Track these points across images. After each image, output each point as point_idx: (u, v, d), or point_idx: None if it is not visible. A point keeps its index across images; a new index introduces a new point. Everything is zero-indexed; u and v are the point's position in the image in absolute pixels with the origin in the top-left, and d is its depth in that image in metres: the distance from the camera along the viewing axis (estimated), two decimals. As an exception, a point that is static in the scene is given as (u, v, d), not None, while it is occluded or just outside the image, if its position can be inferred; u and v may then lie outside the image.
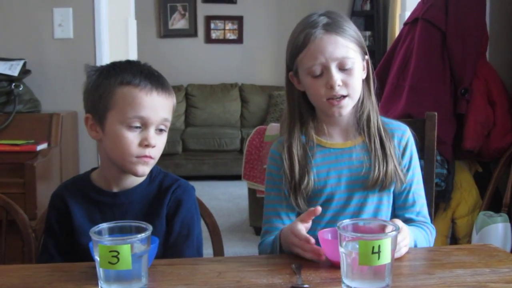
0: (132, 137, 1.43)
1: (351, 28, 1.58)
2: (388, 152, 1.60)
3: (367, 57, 1.62)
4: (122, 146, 1.43)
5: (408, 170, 1.64)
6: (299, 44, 1.56)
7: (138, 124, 1.43)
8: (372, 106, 1.64)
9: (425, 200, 1.68)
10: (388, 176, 1.58)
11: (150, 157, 1.45)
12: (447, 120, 2.87)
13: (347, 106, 1.57)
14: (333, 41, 1.54)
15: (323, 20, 1.56)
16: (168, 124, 1.50)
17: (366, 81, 1.64)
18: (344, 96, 1.55)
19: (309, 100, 1.63)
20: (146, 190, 1.54)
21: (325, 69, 1.54)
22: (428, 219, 1.67)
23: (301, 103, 1.66)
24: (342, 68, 1.54)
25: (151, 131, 1.45)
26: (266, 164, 1.71)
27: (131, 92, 1.44)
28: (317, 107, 1.63)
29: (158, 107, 1.45)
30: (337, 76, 1.53)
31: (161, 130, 1.48)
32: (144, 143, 1.43)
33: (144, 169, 1.46)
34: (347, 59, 1.54)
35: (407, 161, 1.65)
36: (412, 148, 1.67)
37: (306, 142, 1.63)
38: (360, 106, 1.63)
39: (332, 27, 1.55)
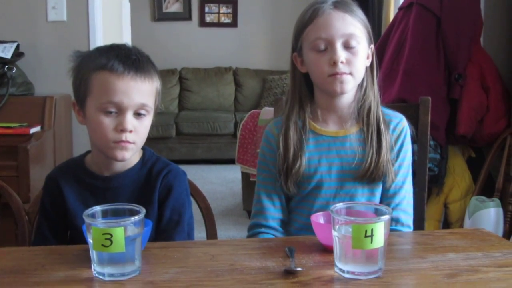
0: (108, 122, 1.42)
1: (359, 11, 1.58)
2: (384, 144, 1.58)
3: (372, 46, 1.61)
4: (100, 131, 1.42)
5: (397, 155, 1.62)
6: (306, 19, 1.56)
7: (113, 109, 1.41)
8: (374, 96, 1.63)
9: (412, 199, 1.65)
10: (380, 167, 1.56)
11: (128, 142, 1.42)
12: (441, 105, 2.87)
13: (349, 83, 1.55)
14: (341, 18, 1.54)
15: None
16: (149, 108, 1.46)
17: (370, 70, 1.63)
18: (346, 74, 1.54)
19: (310, 83, 1.62)
20: (138, 174, 1.53)
21: (330, 45, 1.53)
22: (408, 217, 1.62)
23: (302, 86, 1.65)
24: (347, 46, 1.53)
25: (127, 116, 1.42)
26: (259, 148, 1.70)
27: (104, 77, 1.42)
28: (318, 85, 1.61)
29: (132, 91, 1.42)
30: (341, 53, 1.52)
31: (140, 115, 1.44)
32: (119, 128, 1.41)
33: (124, 154, 1.44)
34: (353, 37, 1.53)
35: (398, 147, 1.62)
36: (406, 138, 1.64)
37: (302, 126, 1.63)
38: (362, 95, 1.62)
39: (342, 5, 1.56)
